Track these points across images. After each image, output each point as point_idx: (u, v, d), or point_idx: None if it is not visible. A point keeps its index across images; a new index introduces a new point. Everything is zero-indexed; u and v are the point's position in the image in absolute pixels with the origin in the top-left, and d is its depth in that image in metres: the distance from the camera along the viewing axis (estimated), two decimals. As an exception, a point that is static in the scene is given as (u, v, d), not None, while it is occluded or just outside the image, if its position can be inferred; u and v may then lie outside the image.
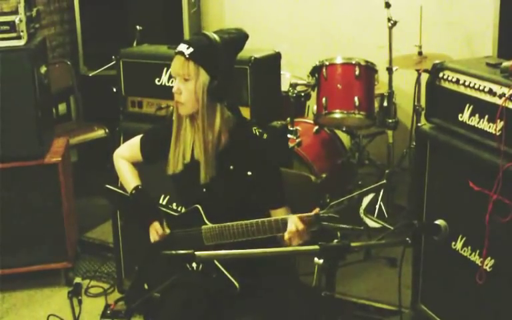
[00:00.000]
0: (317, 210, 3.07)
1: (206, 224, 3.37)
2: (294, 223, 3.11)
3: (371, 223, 2.76)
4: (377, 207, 2.82)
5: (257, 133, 3.44)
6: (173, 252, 2.69)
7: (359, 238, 2.80)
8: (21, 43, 4.93)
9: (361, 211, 2.78)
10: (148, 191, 3.66)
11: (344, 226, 2.84)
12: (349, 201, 2.85)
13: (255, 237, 3.21)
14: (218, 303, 3.43)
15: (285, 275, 3.47)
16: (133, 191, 3.62)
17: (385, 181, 3.05)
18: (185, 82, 3.30)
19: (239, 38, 3.48)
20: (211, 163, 3.36)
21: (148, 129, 3.79)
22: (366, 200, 2.79)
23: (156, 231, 3.52)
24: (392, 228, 2.69)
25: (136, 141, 3.70)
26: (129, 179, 3.68)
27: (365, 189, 2.81)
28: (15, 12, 4.95)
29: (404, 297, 3.98)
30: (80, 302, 4.42)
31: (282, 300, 3.29)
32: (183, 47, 3.30)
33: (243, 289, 3.30)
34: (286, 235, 3.14)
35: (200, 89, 3.29)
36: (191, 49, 3.28)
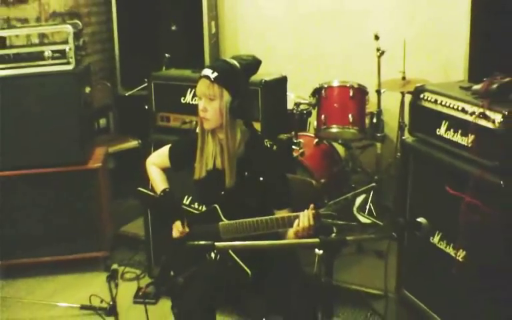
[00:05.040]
0: (312, 206, 3.07)
1: (223, 221, 3.37)
2: (307, 217, 3.11)
3: (363, 219, 2.76)
4: (367, 207, 2.82)
5: (268, 145, 3.43)
6: (196, 242, 2.69)
7: (353, 233, 2.79)
8: (70, 67, 4.98)
9: (354, 209, 2.77)
10: (174, 193, 3.66)
11: (340, 222, 2.83)
12: (344, 200, 2.84)
13: (264, 231, 3.21)
14: (233, 287, 3.43)
15: (290, 263, 3.46)
16: (161, 193, 3.62)
17: (374, 184, 3.03)
18: (210, 102, 3.29)
19: (254, 63, 3.49)
20: (233, 170, 3.37)
21: (175, 140, 3.79)
22: (358, 200, 2.78)
23: (177, 229, 3.52)
24: (381, 223, 2.69)
25: (165, 150, 3.71)
26: (158, 182, 3.68)
27: (357, 191, 2.81)
28: (66, 42, 5.02)
29: (389, 283, 3.99)
30: (116, 285, 4.44)
31: (287, 285, 3.30)
32: (208, 72, 3.29)
33: (254, 275, 3.29)
34: (294, 228, 3.13)
35: (223, 108, 3.29)
36: (216, 74, 3.27)
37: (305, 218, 3.10)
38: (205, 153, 3.44)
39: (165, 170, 3.71)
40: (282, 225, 3.21)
